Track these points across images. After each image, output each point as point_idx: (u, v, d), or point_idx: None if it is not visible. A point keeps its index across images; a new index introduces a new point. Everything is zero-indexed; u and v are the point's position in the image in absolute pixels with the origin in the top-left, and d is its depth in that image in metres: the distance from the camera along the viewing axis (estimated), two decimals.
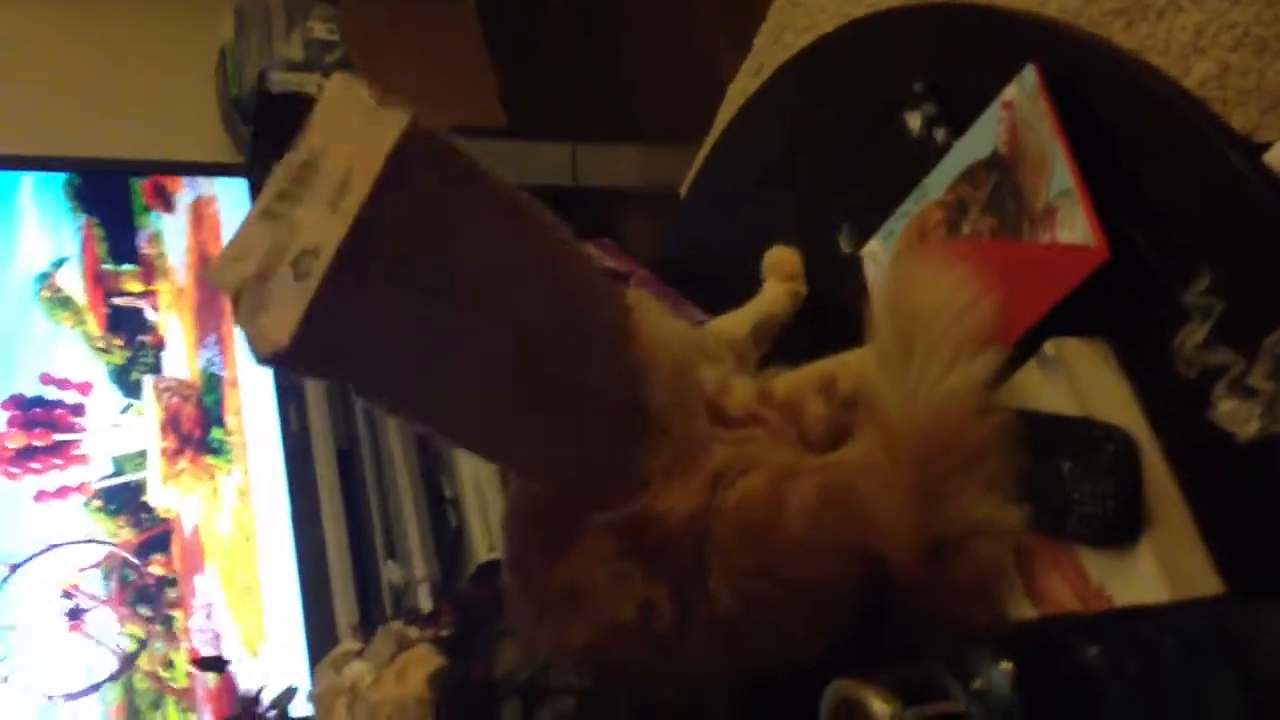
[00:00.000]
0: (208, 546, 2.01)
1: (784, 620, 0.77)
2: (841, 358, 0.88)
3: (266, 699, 1.08)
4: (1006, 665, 0.58)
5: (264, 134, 2.45)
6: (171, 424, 2.11)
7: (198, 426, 2.10)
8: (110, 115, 2.49)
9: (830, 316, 1.02)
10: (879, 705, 0.57)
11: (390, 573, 1.65)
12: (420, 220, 0.68)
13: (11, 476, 2.03)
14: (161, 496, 2.05)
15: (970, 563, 0.72)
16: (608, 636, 0.80)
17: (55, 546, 1.97)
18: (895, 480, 0.72)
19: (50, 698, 1.80)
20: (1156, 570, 0.73)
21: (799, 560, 0.76)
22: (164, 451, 2.11)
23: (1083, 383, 0.78)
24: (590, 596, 0.80)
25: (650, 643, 0.79)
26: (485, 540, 1.93)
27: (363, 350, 0.69)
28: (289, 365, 0.68)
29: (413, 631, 1.11)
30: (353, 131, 0.67)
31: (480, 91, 2.57)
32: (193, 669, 1.11)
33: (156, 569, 1.99)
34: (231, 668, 1.26)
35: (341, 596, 1.80)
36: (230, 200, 2.35)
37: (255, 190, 2.32)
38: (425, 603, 1.62)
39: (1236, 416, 0.71)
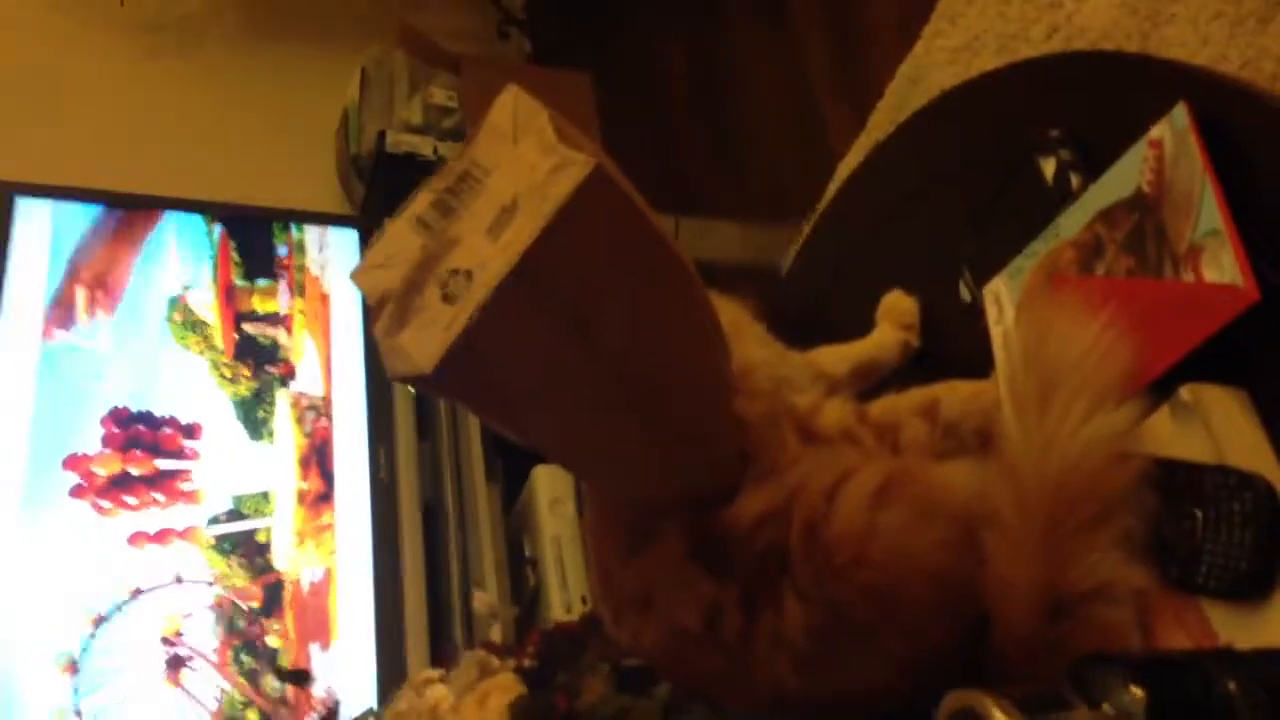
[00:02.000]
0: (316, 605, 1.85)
1: (859, 648, 0.74)
2: (949, 383, 0.86)
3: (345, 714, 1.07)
4: (1138, 691, 0.55)
5: (377, 191, 2.53)
6: (316, 455, 2.01)
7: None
8: (239, 164, 2.59)
9: (947, 367, 1.00)
10: (1001, 717, 0.54)
11: (478, 602, 1.64)
12: (582, 263, 0.67)
13: (102, 512, 1.80)
14: (288, 555, 1.88)
15: (1090, 627, 0.69)
16: (677, 640, 0.78)
17: (143, 592, 1.75)
18: (1023, 535, 0.69)
19: None
20: None
21: (879, 573, 0.73)
22: (300, 496, 1.97)
23: (1218, 430, 0.75)
24: (660, 598, 0.79)
25: (719, 649, 0.77)
26: (562, 600, 1.91)
27: (498, 376, 0.68)
28: (424, 386, 0.69)
29: (496, 661, 1.09)
30: (525, 159, 0.66)
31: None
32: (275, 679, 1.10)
33: (272, 639, 1.78)
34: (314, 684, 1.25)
35: (415, 648, 1.78)
36: (342, 250, 2.40)
37: (365, 242, 2.38)
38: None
39: None
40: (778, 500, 0.76)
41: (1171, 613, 0.75)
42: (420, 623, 1.87)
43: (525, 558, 2.04)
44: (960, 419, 0.82)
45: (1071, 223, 0.84)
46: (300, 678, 1.17)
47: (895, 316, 1.03)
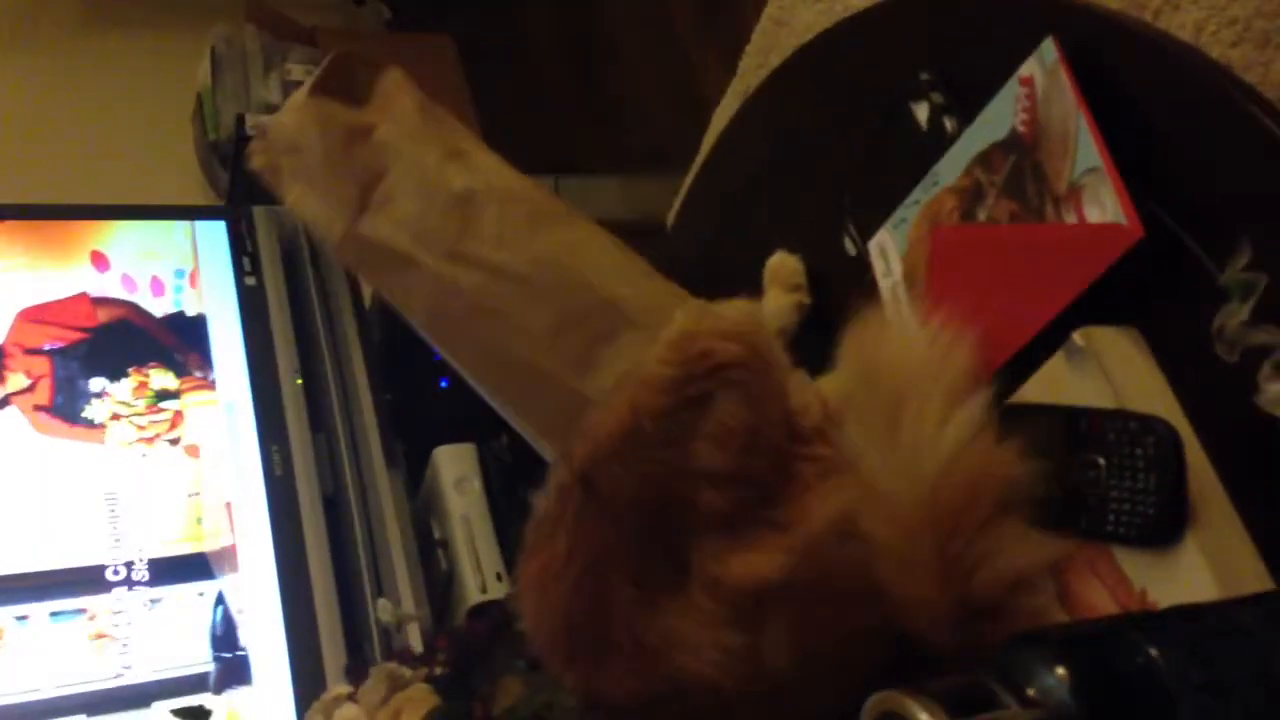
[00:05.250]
0: None
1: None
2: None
3: None
4: (1062, 671, 0.53)
5: (242, 177, 2.42)
6: None
7: None
8: (88, 160, 2.46)
9: (840, 324, 0.97)
10: (924, 717, 0.51)
11: (382, 612, 1.59)
12: None
13: None
14: None
15: (1015, 618, 0.66)
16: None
17: None
18: (913, 556, 0.65)
19: None
20: (1203, 569, 0.68)
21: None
22: None
23: (1115, 373, 0.73)
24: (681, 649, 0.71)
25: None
26: (476, 581, 1.88)
27: None
28: None
29: (407, 672, 1.05)
30: None
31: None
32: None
33: None
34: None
35: (329, 641, 1.73)
36: (209, 243, 2.30)
37: (233, 234, 2.28)
38: (417, 643, 1.56)
39: None
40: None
41: (1084, 562, 0.74)
42: (331, 614, 1.82)
43: (435, 541, 2.00)
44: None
45: (949, 169, 0.81)
46: (197, 715, 1.11)
47: (783, 278, 1.00)
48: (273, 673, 1.73)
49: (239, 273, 2.15)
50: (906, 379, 0.66)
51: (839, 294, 0.99)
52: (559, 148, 2.52)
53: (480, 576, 1.90)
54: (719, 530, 0.70)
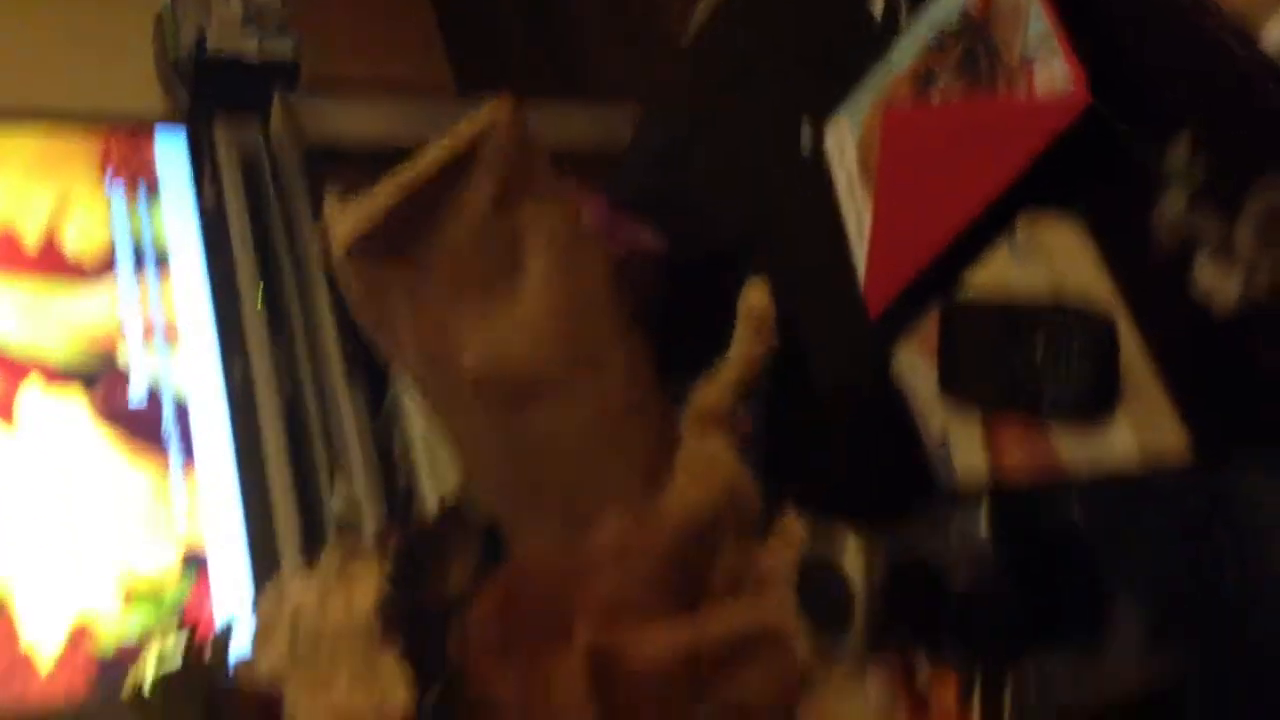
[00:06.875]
0: None
1: None
2: None
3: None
4: (985, 527, 0.55)
5: (203, 96, 2.39)
6: None
7: None
8: (48, 73, 2.42)
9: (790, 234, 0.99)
10: (853, 560, 0.53)
11: (337, 499, 1.61)
12: None
13: None
14: None
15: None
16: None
17: None
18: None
19: None
20: (1131, 448, 0.70)
21: None
22: None
23: (1057, 262, 0.75)
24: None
25: None
26: (435, 495, 1.89)
27: None
28: None
29: (358, 553, 1.06)
30: None
31: (425, 50, 2.52)
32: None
33: None
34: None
35: (286, 535, 1.76)
36: (168, 160, 2.27)
37: (193, 148, 2.26)
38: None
39: (1217, 286, 0.68)
40: None
41: (1017, 437, 0.76)
42: (292, 530, 1.84)
43: (395, 458, 2.01)
44: None
45: (903, 56, 0.82)
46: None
47: (752, 322, 0.99)
48: (229, 564, 1.76)
49: (198, 188, 2.13)
50: None
51: (793, 200, 1.00)
52: (522, 74, 2.50)
53: (440, 489, 1.91)
54: None
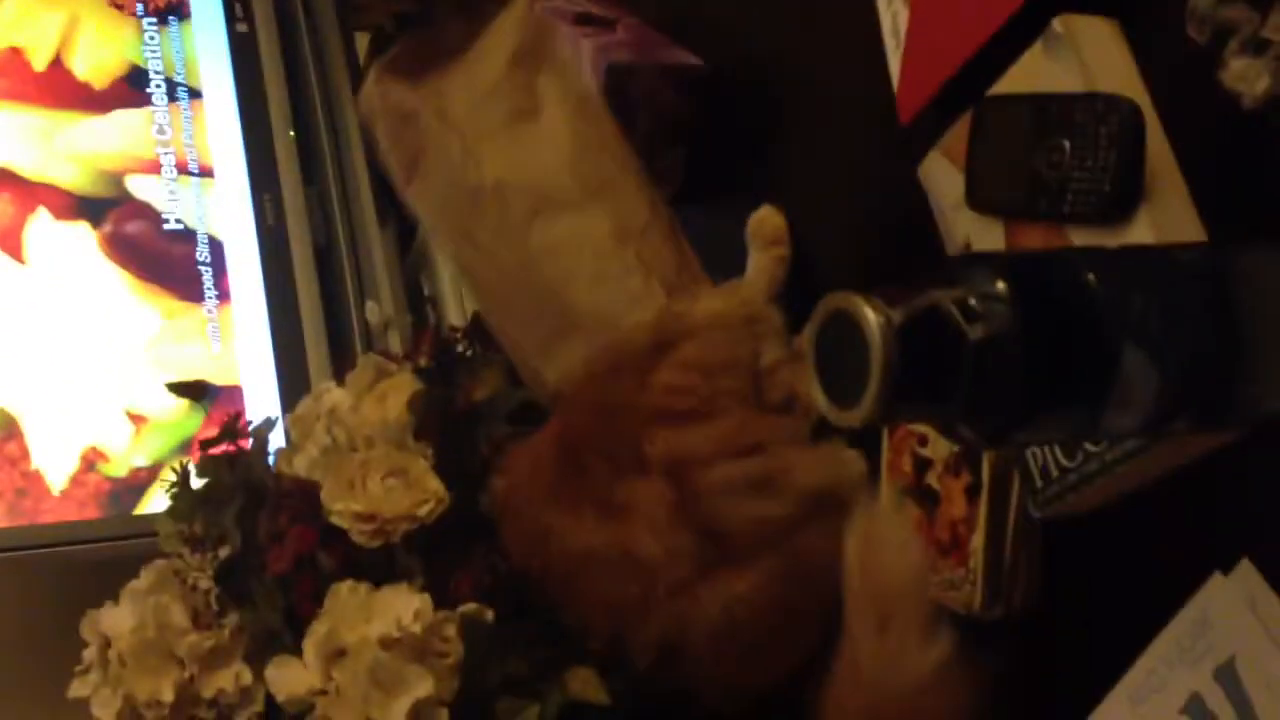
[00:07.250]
0: None
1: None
2: None
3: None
4: (1003, 285, 0.57)
5: None
6: None
7: None
8: None
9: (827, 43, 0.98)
10: (869, 312, 0.55)
11: (370, 313, 1.65)
12: None
13: None
14: None
15: None
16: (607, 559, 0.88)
17: None
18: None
19: None
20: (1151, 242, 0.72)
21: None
22: None
23: (1089, 60, 0.76)
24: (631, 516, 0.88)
25: (646, 584, 0.87)
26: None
27: None
28: None
29: (393, 365, 1.09)
30: None
31: None
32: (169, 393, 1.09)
33: None
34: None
35: (314, 348, 1.81)
36: None
37: None
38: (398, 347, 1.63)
39: (1246, 75, 0.68)
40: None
41: (1038, 239, 0.78)
42: (320, 344, 1.88)
43: (425, 297, 2.04)
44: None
45: None
46: (195, 390, 1.16)
47: (764, 235, 1.05)
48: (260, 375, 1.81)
49: (230, 18, 2.12)
50: (897, 589, 0.72)
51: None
52: None
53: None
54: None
